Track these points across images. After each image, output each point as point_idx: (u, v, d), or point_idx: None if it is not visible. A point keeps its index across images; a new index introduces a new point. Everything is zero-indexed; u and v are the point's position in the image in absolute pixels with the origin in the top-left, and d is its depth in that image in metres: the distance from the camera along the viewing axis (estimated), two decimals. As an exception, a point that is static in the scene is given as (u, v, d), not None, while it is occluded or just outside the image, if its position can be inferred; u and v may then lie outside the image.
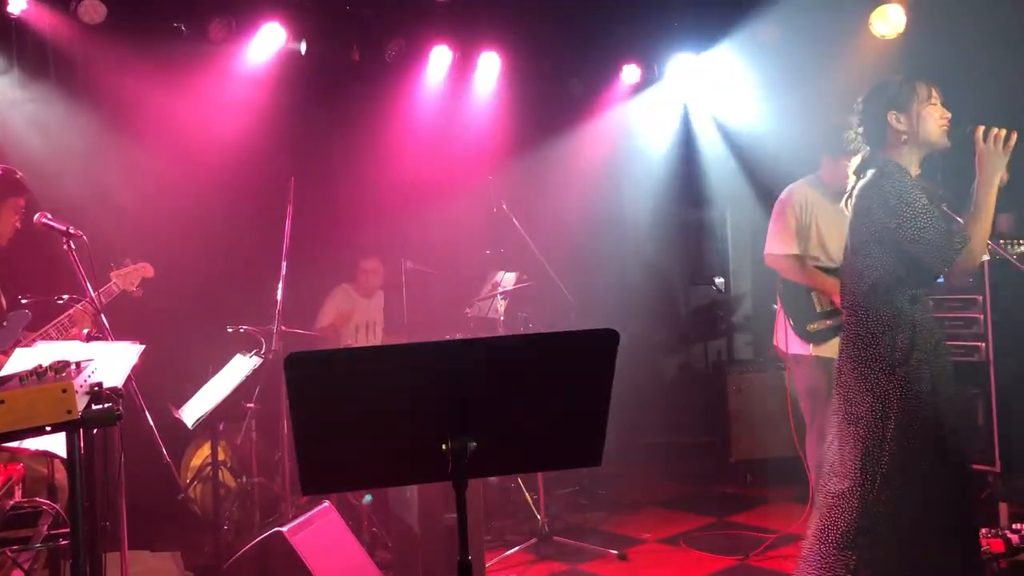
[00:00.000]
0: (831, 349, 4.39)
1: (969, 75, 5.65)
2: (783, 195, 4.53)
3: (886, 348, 2.91)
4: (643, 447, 7.05)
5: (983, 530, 3.93)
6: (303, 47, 5.74)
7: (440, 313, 6.05)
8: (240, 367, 4.41)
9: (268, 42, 5.58)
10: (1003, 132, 2.84)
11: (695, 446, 6.85)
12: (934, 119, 3.09)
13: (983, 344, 4.97)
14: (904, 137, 2.90)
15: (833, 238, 4.44)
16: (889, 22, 5.62)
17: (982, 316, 4.98)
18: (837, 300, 4.36)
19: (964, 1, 5.53)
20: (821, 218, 4.44)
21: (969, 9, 5.51)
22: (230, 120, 5.63)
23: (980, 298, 4.99)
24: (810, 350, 4.41)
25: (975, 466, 4.91)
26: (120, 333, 3.81)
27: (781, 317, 4.49)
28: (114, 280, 4.16)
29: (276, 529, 3.55)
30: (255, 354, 4.58)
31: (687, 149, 7.35)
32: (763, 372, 5.97)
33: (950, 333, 5.07)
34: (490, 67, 6.37)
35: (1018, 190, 5.01)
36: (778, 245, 4.45)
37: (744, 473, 5.93)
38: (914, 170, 3.00)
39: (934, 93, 2.98)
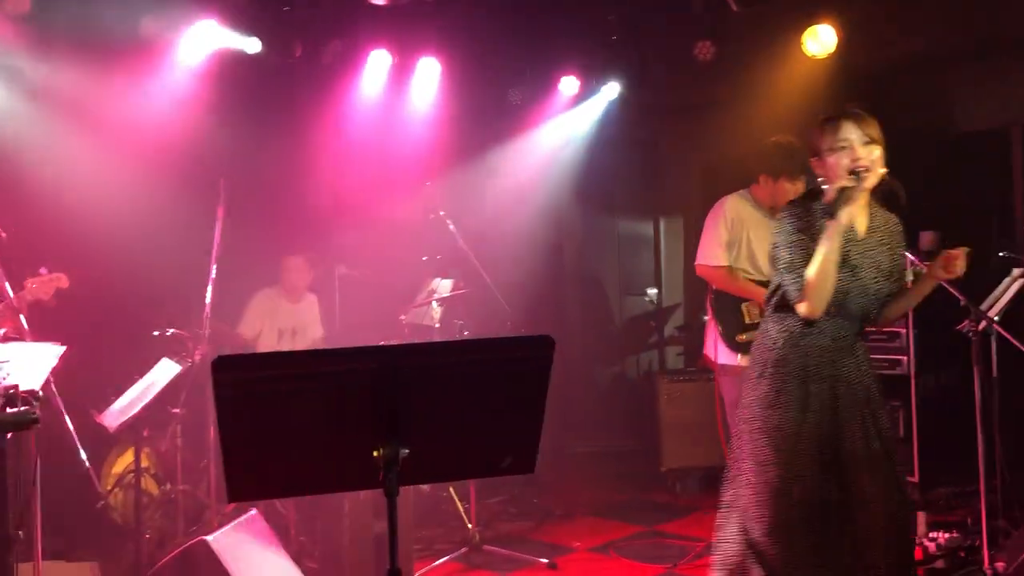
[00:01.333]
0: (759, 360, 4.48)
1: (899, 92, 5.85)
2: (715, 207, 4.60)
3: (762, 362, 2.99)
4: (575, 455, 7.09)
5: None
6: (252, 45, 5.63)
7: (374, 319, 5.98)
8: (166, 371, 4.30)
9: (202, 39, 5.47)
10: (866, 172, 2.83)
11: (626, 454, 6.91)
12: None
13: (905, 358, 5.12)
14: (821, 179, 2.96)
15: (762, 251, 4.52)
16: (820, 42, 5.76)
17: (904, 331, 5.14)
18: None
19: (893, 20, 5.71)
20: (752, 231, 4.51)
21: (899, 28, 5.69)
22: (159, 119, 5.50)
23: (902, 313, 5.14)
24: (738, 360, 4.47)
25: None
26: (41, 334, 3.68)
27: (711, 327, 4.55)
28: (27, 288, 4.03)
29: (200, 537, 3.46)
30: (181, 358, 4.48)
31: (620, 160, 7.44)
32: (694, 382, 6.05)
33: (873, 346, 5.21)
34: (429, 73, 6.35)
35: (938, 210, 5.22)
36: (710, 256, 4.51)
37: (674, 482, 5.99)
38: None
39: (847, 135, 2.86)
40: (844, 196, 2.81)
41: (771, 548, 2.87)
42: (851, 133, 2.86)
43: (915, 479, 5.05)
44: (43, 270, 4.11)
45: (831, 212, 2.83)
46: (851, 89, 5.99)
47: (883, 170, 2.87)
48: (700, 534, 4.93)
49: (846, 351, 2.94)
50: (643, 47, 6.46)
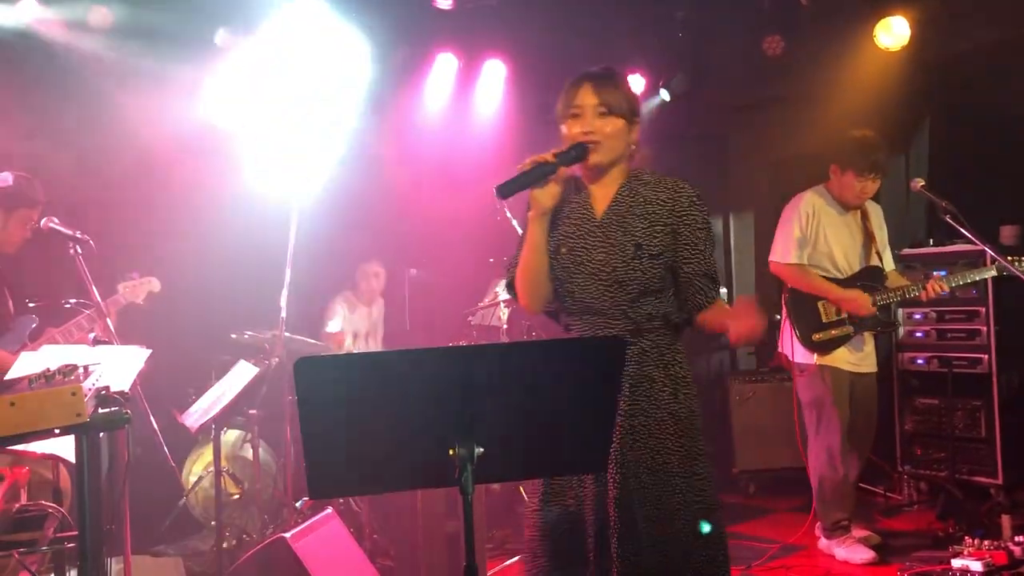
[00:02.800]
0: (836, 359, 4.40)
1: (977, 84, 5.69)
2: (791, 203, 4.54)
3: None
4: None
5: (986, 542, 3.93)
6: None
7: (443, 321, 6.05)
8: (243, 373, 4.41)
9: (274, 49, 5.59)
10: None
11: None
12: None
13: (986, 356, 4.98)
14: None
15: (840, 248, 4.45)
16: (893, 34, 5.63)
17: (985, 328, 4.99)
18: (845, 304, 4.37)
19: (969, 9, 5.55)
20: (829, 228, 4.44)
21: (976, 17, 5.53)
22: (238, 128, 5.65)
23: (983, 310, 5.00)
24: (814, 359, 4.41)
25: (979, 479, 4.95)
26: (125, 337, 3.82)
27: (787, 325, 4.49)
28: (120, 292, 4.18)
29: (279, 535, 3.54)
30: (258, 360, 4.59)
31: (688, 157, 7.37)
32: (766, 382, 5.97)
33: (953, 344, 5.10)
34: (495, 75, 6.39)
35: (1020, 204, 5.07)
36: (783, 253, 4.46)
37: (747, 483, 5.92)
38: None
39: (582, 100, 2.47)
40: (542, 170, 2.37)
41: None
42: (587, 99, 2.45)
43: (999, 481, 4.91)
44: (135, 274, 4.27)
45: (578, 189, 2.48)
46: (927, 82, 5.85)
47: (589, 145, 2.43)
48: (774, 535, 4.87)
49: None
50: (710, 43, 6.39)
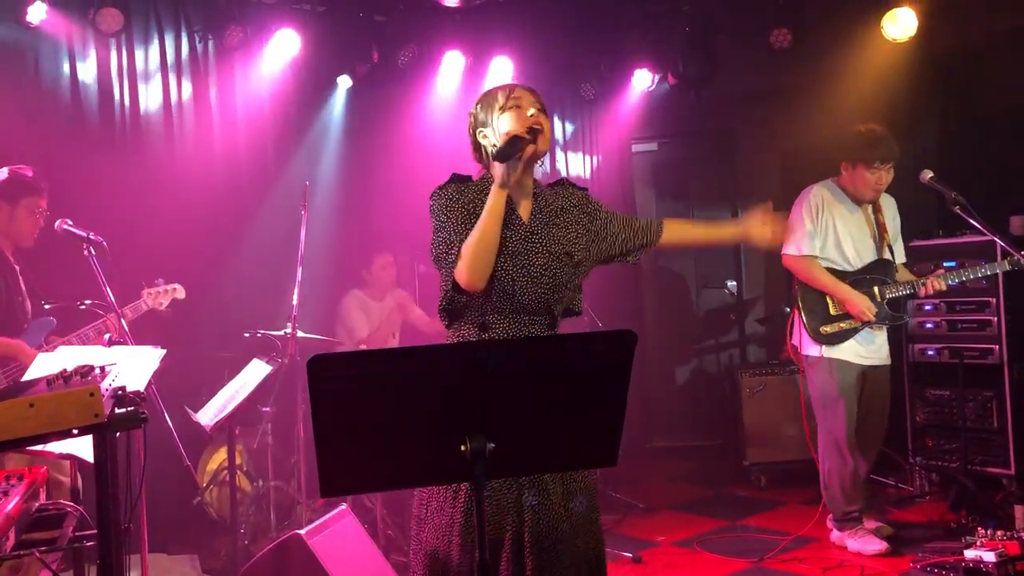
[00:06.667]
0: (844, 351, 4.41)
1: (986, 74, 5.68)
2: (800, 196, 4.56)
3: None
4: (656, 450, 7.08)
5: (998, 533, 3.93)
6: (345, 81, 5.88)
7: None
8: (256, 371, 4.44)
9: (282, 49, 5.63)
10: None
11: (708, 449, 6.87)
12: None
13: (997, 347, 4.98)
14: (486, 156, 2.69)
15: (850, 241, 4.45)
16: (900, 25, 5.63)
17: (996, 319, 4.99)
18: (848, 306, 4.37)
19: (973, 2, 5.54)
20: (839, 220, 4.45)
21: (984, 6, 5.52)
22: (246, 126, 5.69)
23: (994, 301, 4.99)
24: (822, 351, 4.42)
25: (990, 470, 4.95)
26: (137, 337, 3.86)
27: (797, 317, 4.50)
28: (144, 298, 4.21)
29: (294, 531, 3.57)
30: (271, 358, 4.62)
31: (697, 150, 7.38)
32: (776, 375, 5.98)
33: (963, 335, 5.09)
34: (502, 72, 6.40)
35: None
36: (794, 246, 4.46)
37: (758, 476, 5.93)
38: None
39: (520, 95, 2.62)
40: (516, 144, 2.47)
41: None
42: (525, 95, 2.62)
43: (1011, 471, 4.90)
44: (159, 280, 4.29)
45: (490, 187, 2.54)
46: (935, 72, 5.84)
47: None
48: (785, 528, 4.88)
49: None
50: (718, 36, 6.39)
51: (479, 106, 2.69)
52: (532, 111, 2.58)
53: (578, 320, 5.46)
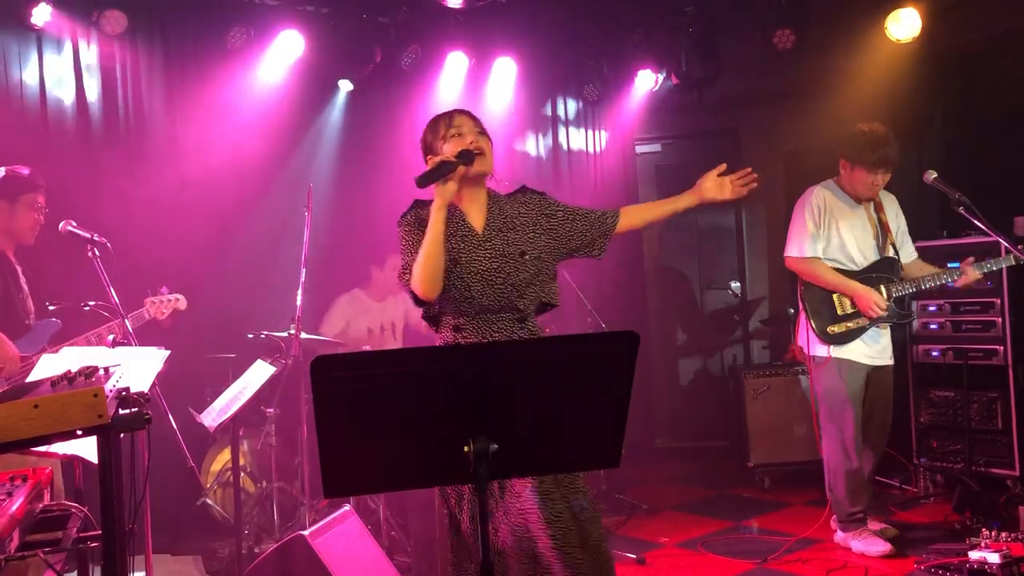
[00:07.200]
0: (851, 351, 4.40)
1: (990, 75, 5.66)
2: (802, 197, 4.55)
3: None
4: (660, 451, 7.08)
5: (1003, 534, 3.93)
6: (346, 85, 5.92)
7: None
8: (260, 372, 4.44)
9: (285, 50, 5.64)
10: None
11: (712, 450, 6.86)
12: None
13: (1002, 347, 4.96)
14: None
15: (853, 241, 4.45)
16: (903, 25, 5.62)
17: (1000, 319, 4.98)
18: (857, 301, 4.37)
19: (977, 2, 5.53)
20: (841, 221, 4.44)
21: (987, 7, 5.51)
22: (250, 127, 5.70)
23: (998, 301, 4.98)
24: (829, 352, 4.41)
25: (995, 471, 4.94)
26: (141, 338, 3.86)
27: (803, 318, 4.50)
28: (146, 307, 4.21)
29: (297, 532, 3.57)
30: (275, 359, 4.63)
31: (700, 151, 7.38)
32: (780, 376, 5.96)
33: (968, 335, 5.08)
34: (506, 72, 6.41)
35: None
36: (799, 248, 4.46)
37: (762, 477, 5.92)
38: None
39: (461, 123, 2.86)
40: (447, 167, 2.69)
41: None
42: (465, 122, 2.86)
43: (1015, 472, 4.89)
44: (164, 289, 4.29)
45: (451, 214, 2.79)
46: (939, 73, 5.83)
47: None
48: (789, 529, 4.87)
49: None
50: (721, 37, 6.38)
51: (427, 132, 2.92)
52: (471, 137, 2.80)
53: (581, 321, 5.53)
